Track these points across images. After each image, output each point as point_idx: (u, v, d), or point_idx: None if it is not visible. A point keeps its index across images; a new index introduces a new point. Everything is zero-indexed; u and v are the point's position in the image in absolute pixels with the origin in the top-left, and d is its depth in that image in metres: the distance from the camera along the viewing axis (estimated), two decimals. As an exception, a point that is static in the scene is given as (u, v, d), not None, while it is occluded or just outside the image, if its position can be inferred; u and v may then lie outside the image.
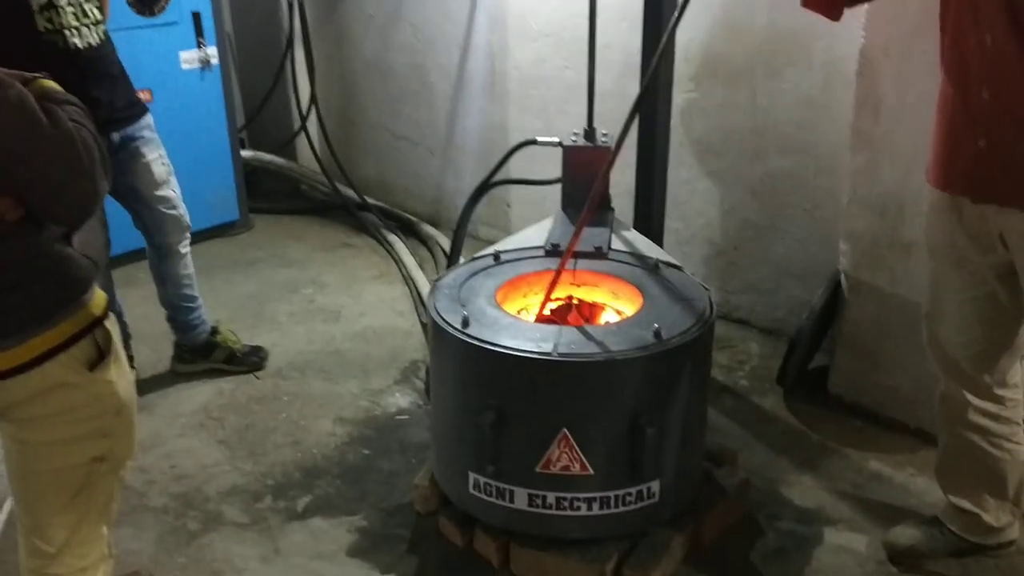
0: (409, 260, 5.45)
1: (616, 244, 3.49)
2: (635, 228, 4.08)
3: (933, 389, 3.41)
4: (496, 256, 3.38)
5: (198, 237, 5.83)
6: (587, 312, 3.28)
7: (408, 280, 5.30)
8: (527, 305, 3.31)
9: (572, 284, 3.33)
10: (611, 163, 2.96)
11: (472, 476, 2.96)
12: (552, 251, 3.39)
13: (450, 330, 2.87)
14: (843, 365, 3.95)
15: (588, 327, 2.92)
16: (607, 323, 3.11)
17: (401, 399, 4.15)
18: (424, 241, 5.88)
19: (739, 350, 4.48)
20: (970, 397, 2.82)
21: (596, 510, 2.88)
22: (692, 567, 3.07)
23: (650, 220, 4.03)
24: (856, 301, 3.83)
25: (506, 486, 2.91)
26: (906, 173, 3.52)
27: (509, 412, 2.81)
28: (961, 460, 2.95)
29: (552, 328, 2.89)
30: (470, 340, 2.81)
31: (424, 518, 3.33)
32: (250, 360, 4.36)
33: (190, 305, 4.27)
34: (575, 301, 3.31)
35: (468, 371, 2.90)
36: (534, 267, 3.33)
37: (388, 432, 3.93)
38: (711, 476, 3.26)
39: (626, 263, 3.36)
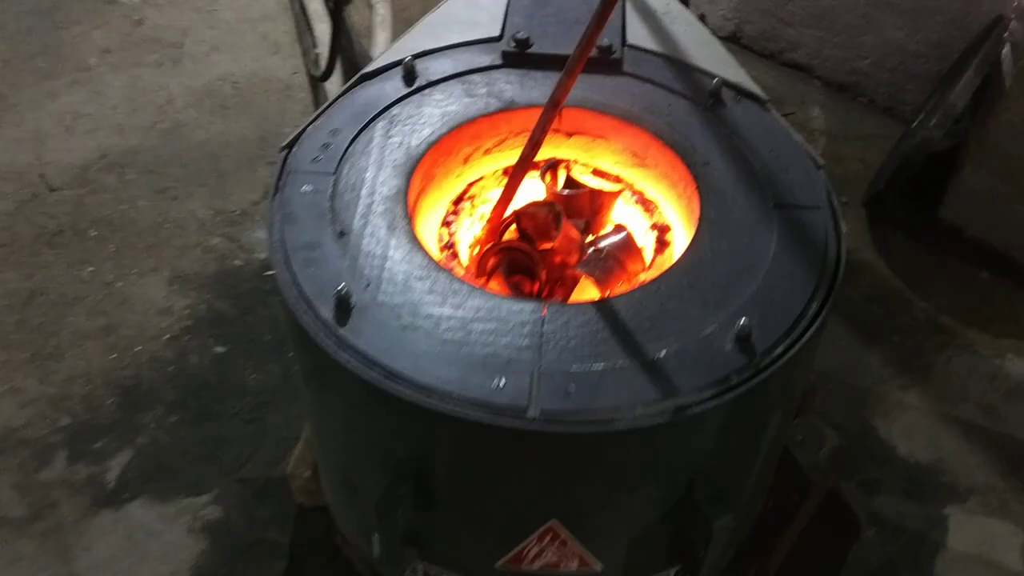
0: (289, -61, 3.55)
1: (635, 32, 1.84)
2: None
3: None
4: (408, 71, 1.73)
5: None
6: (586, 206, 1.72)
7: (288, -23, 3.46)
8: (474, 192, 1.74)
9: (556, 130, 1.73)
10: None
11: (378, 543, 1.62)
12: (516, 54, 1.75)
13: (314, 333, 1.35)
14: (974, 183, 2.49)
15: (600, 306, 1.40)
16: (636, 289, 1.53)
17: (276, 233, 2.64)
18: None
19: (795, 121, 2.92)
20: None
21: (604, 607, 1.60)
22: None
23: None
24: (1021, 93, 2.27)
25: (441, 570, 1.59)
26: None
27: (441, 479, 1.42)
28: None
29: (527, 319, 1.38)
30: (354, 367, 1.31)
31: (310, 511, 2.05)
32: None
33: None
34: (560, 189, 1.73)
35: (359, 413, 1.44)
36: (481, 101, 1.70)
37: (255, 304, 2.49)
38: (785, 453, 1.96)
39: (658, 84, 1.74)
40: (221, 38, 3.25)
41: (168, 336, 2.40)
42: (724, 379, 1.30)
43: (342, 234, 1.48)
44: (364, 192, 1.55)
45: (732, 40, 3.13)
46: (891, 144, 2.77)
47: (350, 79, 2.95)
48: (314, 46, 3.06)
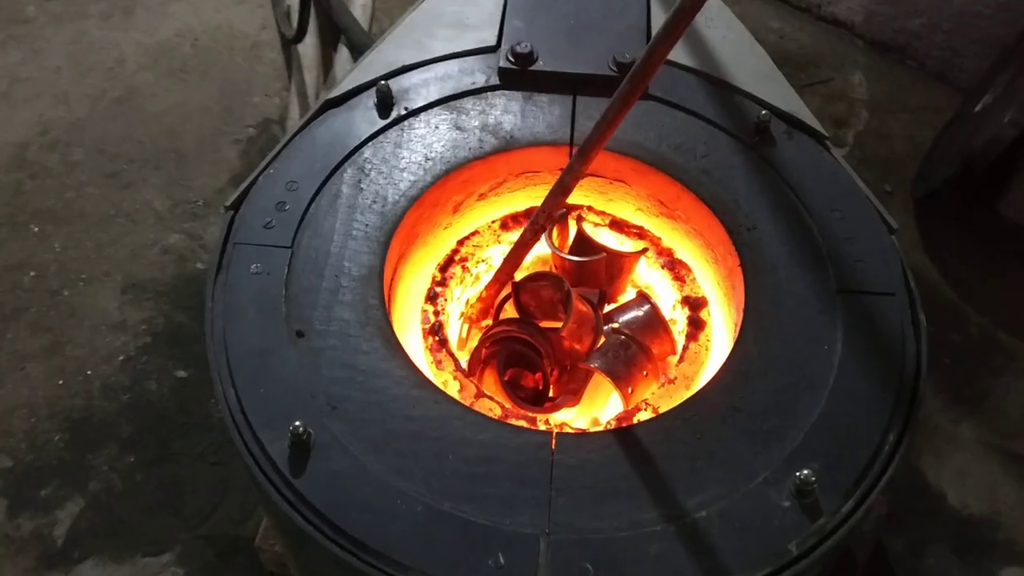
0: None
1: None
2: None
3: None
4: (384, 98, 1.39)
5: None
6: (602, 273, 1.40)
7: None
8: (465, 251, 1.43)
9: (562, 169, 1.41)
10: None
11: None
12: (516, 72, 1.41)
13: (263, 482, 1.07)
14: (1043, 178, 2.15)
15: (622, 439, 1.11)
16: (667, 416, 1.21)
17: (243, 230, 2.32)
18: None
19: (835, 90, 2.57)
20: None
21: None
22: None
23: None
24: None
25: None
26: None
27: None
28: None
29: (531, 459, 1.09)
30: (311, 533, 1.04)
31: (284, 578, 1.81)
32: None
33: None
34: (568, 252, 1.41)
35: (324, 569, 1.18)
36: (474, 137, 1.37)
37: (221, 318, 2.18)
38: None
39: (692, 112, 1.41)
40: (179, -17, 2.85)
41: (122, 357, 2.11)
42: (781, 553, 1.03)
43: (300, 335, 1.19)
44: (328, 272, 1.24)
45: (763, -12, 2.74)
46: (942, 119, 2.42)
47: (327, 39, 2.58)
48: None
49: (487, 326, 1.35)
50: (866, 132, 2.47)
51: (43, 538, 1.89)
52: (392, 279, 1.30)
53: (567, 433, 1.15)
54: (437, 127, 1.39)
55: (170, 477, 1.96)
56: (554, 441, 1.11)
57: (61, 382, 2.08)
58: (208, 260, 2.12)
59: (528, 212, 1.45)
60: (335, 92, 1.42)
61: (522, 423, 1.22)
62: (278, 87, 2.58)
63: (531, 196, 1.44)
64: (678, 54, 1.48)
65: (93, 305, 2.19)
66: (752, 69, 1.46)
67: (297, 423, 1.07)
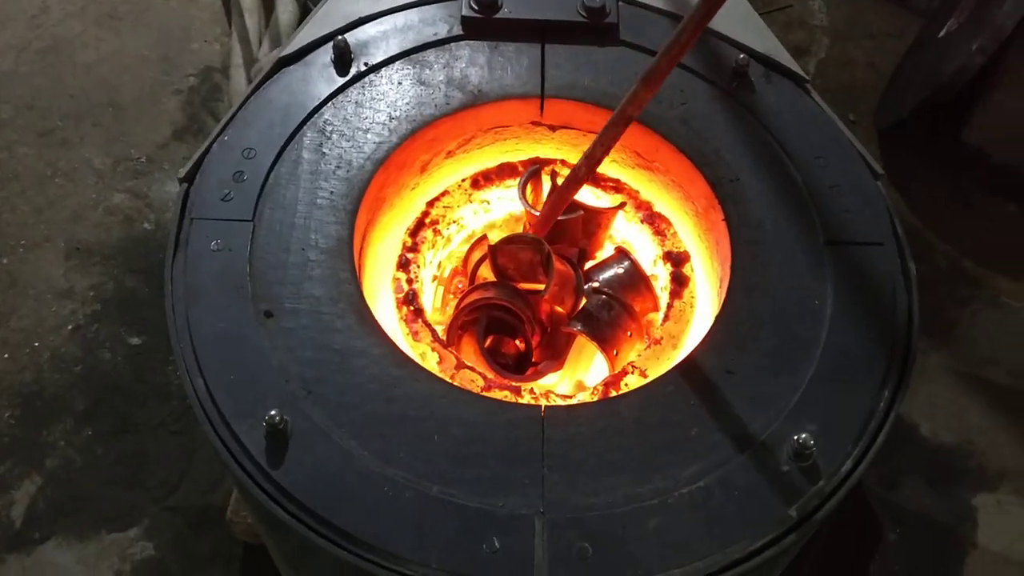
0: None
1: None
2: None
3: None
4: (341, 53, 1.30)
5: None
6: (580, 230, 1.34)
7: None
8: (436, 213, 1.36)
9: (538, 123, 1.35)
10: None
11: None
12: (480, 20, 1.33)
13: (241, 477, 1.02)
14: (1010, 105, 2.14)
15: (613, 408, 1.07)
16: (659, 381, 1.14)
17: (190, 186, 2.22)
18: None
19: (794, 17, 2.52)
20: None
21: None
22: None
23: None
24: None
25: None
26: None
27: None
28: None
29: (520, 436, 1.05)
30: (296, 527, 0.99)
31: (259, 547, 1.78)
32: None
33: None
34: (536, 211, 1.34)
35: (307, 561, 1.13)
36: (439, 92, 1.30)
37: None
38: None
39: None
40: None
41: (71, 326, 2.02)
42: (783, 519, 1.01)
43: (268, 315, 1.12)
44: (294, 246, 1.17)
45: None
46: (905, 44, 2.38)
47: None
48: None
49: (463, 291, 1.30)
50: (827, 60, 2.43)
51: (3, 528, 1.81)
52: (361, 248, 1.24)
53: (556, 406, 1.11)
54: (400, 83, 1.31)
55: (131, 449, 1.89)
56: (543, 415, 1.07)
57: (7, 356, 1.99)
58: (155, 220, 2.03)
59: (500, 168, 1.38)
60: (288, 50, 1.32)
61: (507, 394, 1.17)
62: (218, 32, 2.44)
63: (502, 151, 1.37)
64: (644, -8, 1.40)
65: (36, 273, 2.09)
66: (726, 9, 1.39)
67: (272, 411, 1.02)
